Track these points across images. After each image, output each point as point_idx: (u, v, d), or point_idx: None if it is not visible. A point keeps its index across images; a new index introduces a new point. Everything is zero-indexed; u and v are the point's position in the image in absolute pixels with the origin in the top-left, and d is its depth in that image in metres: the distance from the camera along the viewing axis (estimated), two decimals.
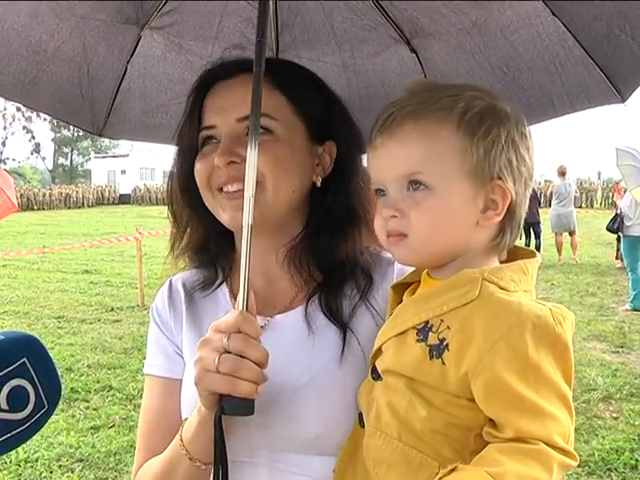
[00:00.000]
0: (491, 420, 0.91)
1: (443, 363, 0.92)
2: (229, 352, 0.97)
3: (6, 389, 0.78)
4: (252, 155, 1.07)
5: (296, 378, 1.11)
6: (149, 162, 53.24)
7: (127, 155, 54.62)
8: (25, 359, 0.80)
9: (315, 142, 1.22)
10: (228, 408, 0.99)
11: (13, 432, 0.77)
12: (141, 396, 4.61)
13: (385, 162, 1.01)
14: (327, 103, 1.25)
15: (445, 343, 0.93)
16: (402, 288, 1.11)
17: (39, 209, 36.07)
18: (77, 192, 42.37)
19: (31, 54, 1.48)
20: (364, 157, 1.25)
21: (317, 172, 1.22)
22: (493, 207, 0.98)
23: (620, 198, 10.75)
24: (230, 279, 1.28)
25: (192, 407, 1.12)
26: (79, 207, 39.99)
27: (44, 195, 38.96)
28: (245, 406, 0.99)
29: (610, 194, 28.69)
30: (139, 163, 52.16)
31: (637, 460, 4.45)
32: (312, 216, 1.23)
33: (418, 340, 0.96)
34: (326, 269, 1.21)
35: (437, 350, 0.93)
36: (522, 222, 1.04)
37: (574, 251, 13.60)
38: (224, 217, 1.17)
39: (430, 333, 0.95)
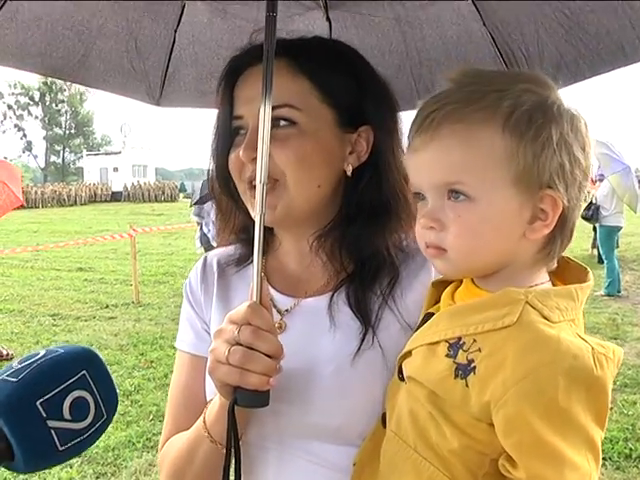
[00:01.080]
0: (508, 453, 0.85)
1: (467, 385, 0.86)
2: (240, 344, 0.97)
3: (69, 400, 0.80)
4: (263, 142, 1.02)
5: (318, 366, 1.09)
6: (141, 159, 53.28)
7: (119, 152, 54.61)
8: (85, 371, 0.83)
9: (347, 129, 1.14)
10: (240, 399, 0.98)
11: (75, 441, 0.80)
12: (137, 392, 4.65)
13: (423, 167, 0.93)
14: (361, 83, 1.16)
15: (473, 365, 0.86)
16: (442, 285, 1.05)
17: (31, 207, 35.86)
18: (69, 190, 42.32)
19: (76, 34, 1.50)
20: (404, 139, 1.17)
21: (350, 160, 1.15)
22: (542, 217, 0.89)
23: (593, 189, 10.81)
24: (265, 259, 1.23)
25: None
26: (71, 205, 39.91)
27: (36, 193, 38.84)
28: (258, 398, 0.98)
29: None
30: (131, 160, 52.18)
31: (631, 449, 4.48)
32: (344, 205, 1.17)
33: (448, 355, 0.90)
34: (357, 260, 1.16)
35: (463, 370, 0.87)
36: (574, 228, 0.95)
37: None
38: (252, 213, 1.13)
39: (460, 351, 0.89)
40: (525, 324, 0.85)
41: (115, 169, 50.95)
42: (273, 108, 1.05)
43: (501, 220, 0.89)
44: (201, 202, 8.67)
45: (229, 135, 1.16)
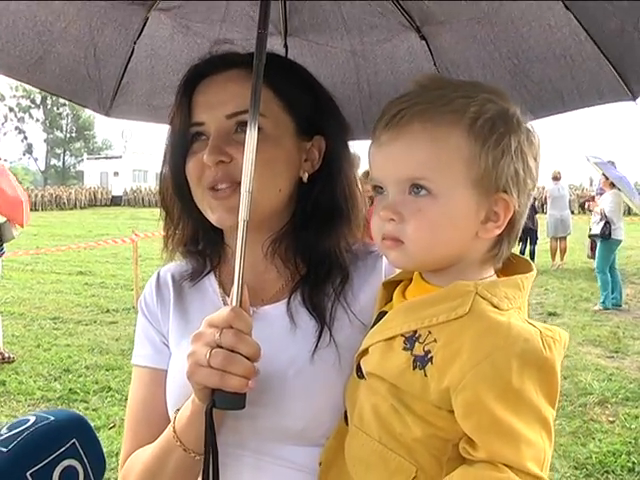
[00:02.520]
0: (468, 435, 0.90)
1: (425, 375, 0.91)
2: (220, 347, 0.98)
3: (58, 470, 0.81)
4: (250, 151, 1.05)
5: (283, 369, 1.12)
6: (142, 164, 53.15)
7: (120, 157, 54.56)
8: (75, 440, 0.84)
9: (303, 138, 1.21)
10: (219, 402, 0.99)
11: None
12: None
13: (389, 161, 0.98)
14: (315, 98, 1.23)
15: (430, 356, 0.91)
16: (392, 285, 1.10)
17: (31, 210, 35.62)
18: (69, 193, 42.25)
19: (37, 35, 1.47)
20: (353, 152, 1.27)
21: (305, 168, 1.21)
22: (494, 219, 0.96)
23: (593, 205, 10.81)
24: (218, 270, 1.28)
25: (178, 398, 1.13)
26: (71, 208, 39.91)
27: (36, 196, 38.83)
28: (236, 400, 1.00)
29: None
30: (132, 165, 52.08)
31: (634, 463, 4.48)
32: (298, 210, 1.22)
33: (404, 348, 0.95)
34: (310, 262, 1.21)
35: (421, 361, 0.92)
36: (520, 233, 1.02)
37: (562, 256, 13.67)
38: (212, 217, 1.17)
39: (417, 343, 0.94)
40: (477, 313, 0.91)
41: (115, 173, 50.87)
42: (238, 113, 1.12)
43: (458, 217, 0.94)
44: None
45: (186, 141, 1.19)
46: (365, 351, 1.03)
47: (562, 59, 1.47)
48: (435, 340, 0.92)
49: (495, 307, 0.92)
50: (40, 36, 1.48)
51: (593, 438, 4.84)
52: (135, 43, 1.59)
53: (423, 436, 0.92)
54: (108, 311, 9.50)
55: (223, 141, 1.14)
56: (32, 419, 0.83)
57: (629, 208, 10.39)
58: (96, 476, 0.86)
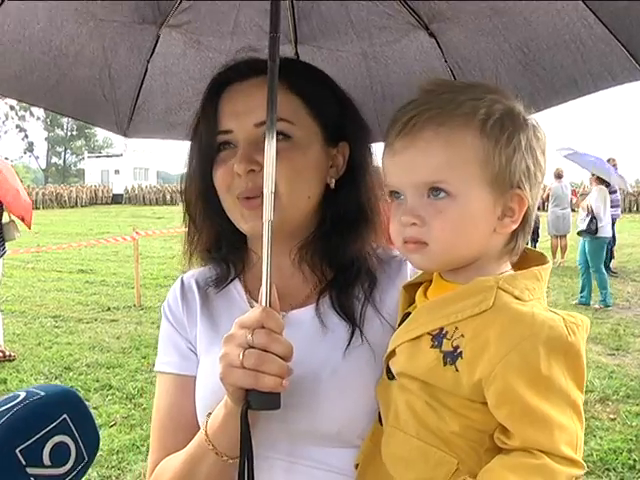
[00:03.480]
0: (502, 425, 0.92)
1: (456, 370, 0.93)
2: (253, 347, 0.98)
3: (49, 446, 0.79)
4: (270, 152, 1.06)
5: (316, 372, 1.12)
6: (143, 162, 53.13)
7: (121, 155, 54.43)
8: (66, 415, 0.82)
9: (329, 144, 1.22)
10: (254, 403, 0.99)
11: None
12: (141, 395, 4.61)
13: (405, 168, 1.00)
14: (340, 104, 1.25)
15: (459, 350, 0.94)
16: (413, 288, 1.12)
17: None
18: (70, 191, 42.17)
19: (52, 59, 1.49)
20: (374, 155, 1.28)
21: (331, 174, 1.22)
22: (510, 214, 0.99)
23: (578, 201, 10.75)
24: (243, 276, 1.29)
25: (209, 403, 1.13)
26: (72, 207, 39.69)
27: (37, 194, 38.65)
28: (271, 400, 1.00)
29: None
30: (133, 163, 52.01)
31: (635, 460, 4.49)
32: (325, 216, 1.23)
33: (432, 346, 0.97)
34: (337, 267, 1.23)
35: (451, 357, 0.94)
36: (532, 225, 1.05)
37: (563, 254, 13.63)
38: (245, 226, 1.17)
39: (444, 340, 0.96)
40: (500, 306, 0.94)
41: (116, 171, 50.78)
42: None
43: (478, 216, 0.97)
44: None
45: (214, 149, 1.19)
46: (392, 353, 1.05)
47: (572, 44, 1.47)
48: (462, 335, 0.94)
49: (517, 299, 0.95)
50: (55, 60, 1.50)
51: (594, 435, 4.85)
52: (148, 62, 1.61)
53: (460, 429, 0.95)
54: (109, 309, 9.46)
55: (253, 149, 1.14)
56: (22, 395, 0.81)
57: (631, 205, 10.34)
58: (88, 452, 0.84)
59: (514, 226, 1.00)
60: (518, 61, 1.54)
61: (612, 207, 10.57)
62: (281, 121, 1.12)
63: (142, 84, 1.64)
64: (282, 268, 1.22)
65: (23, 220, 6.81)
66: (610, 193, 10.50)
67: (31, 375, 6.32)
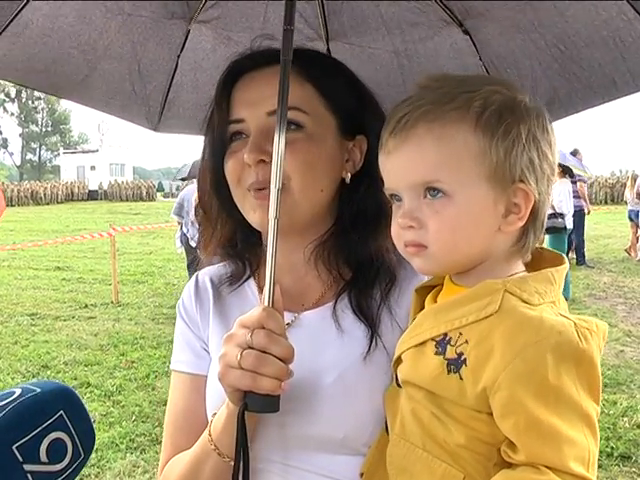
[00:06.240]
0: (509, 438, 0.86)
1: (461, 378, 0.88)
2: (252, 348, 0.96)
3: (45, 443, 0.79)
4: (279, 147, 1.03)
5: (323, 376, 1.08)
6: (119, 158, 52.91)
7: (97, 151, 54.33)
8: (62, 411, 0.81)
9: (346, 137, 1.17)
10: (251, 404, 0.97)
11: None
12: (119, 392, 4.59)
13: (399, 168, 0.95)
14: (358, 96, 1.20)
15: (463, 358, 0.88)
16: (425, 291, 1.07)
17: (7, 205, 35.37)
18: (46, 188, 41.75)
19: (82, 53, 1.49)
20: None
21: (347, 168, 1.17)
22: (515, 211, 0.93)
23: None
24: (257, 274, 1.25)
25: (217, 403, 1.10)
26: (48, 203, 39.34)
27: (12, 191, 38.29)
28: (268, 402, 0.97)
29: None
30: (109, 159, 51.89)
31: (612, 448, 4.51)
32: (341, 213, 1.18)
33: (436, 353, 0.92)
34: (355, 266, 1.18)
35: (455, 364, 0.89)
36: (545, 221, 0.98)
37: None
38: (253, 218, 1.13)
39: (448, 346, 0.91)
40: (507, 310, 0.87)
41: (92, 167, 50.60)
42: None
43: (477, 214, 0.92)
44: (184, 179, 9.33)
45: (225, 140, 1.16)
46: (399, 359, 1.00)
47: (611, 41, 1.39)
48: (467, 341, 0.89)
49: (525, 302, 0.89)
50: (85, 54, 1.51)
51: None
52: (179, 57, 1.60)
53: (467, 442, 0.89)
54: (86, 306, 9.33)
55: (264, 139, 1.10)
56: (18, 391, 0.81)
57: (606, 197, 10.40)
58: (85, 448, 0.84)
59: (521, 223, 0.93)
60: (554, 59, 1.48)
61: (574, 197, 10.57)
62: (293, 110, 1.08)
63: (172, 79, 1.64)
64: (296, 266, 1.19)
65: None
66: (572, 183, 10.50)
67: (8, 374, 6.24)
